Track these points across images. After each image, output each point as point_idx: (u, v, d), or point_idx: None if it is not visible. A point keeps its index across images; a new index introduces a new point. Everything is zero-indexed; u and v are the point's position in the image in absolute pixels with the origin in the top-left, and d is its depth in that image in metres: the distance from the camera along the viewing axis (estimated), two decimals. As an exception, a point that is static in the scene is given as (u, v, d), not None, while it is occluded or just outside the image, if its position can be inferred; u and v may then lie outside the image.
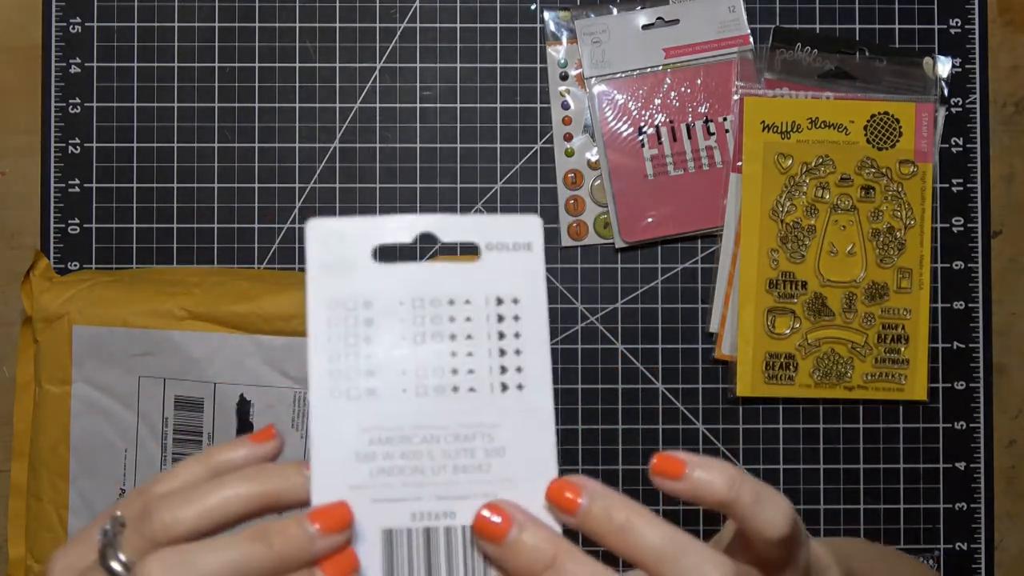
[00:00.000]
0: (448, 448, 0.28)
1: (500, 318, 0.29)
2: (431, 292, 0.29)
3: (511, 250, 0.29)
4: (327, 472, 0.28)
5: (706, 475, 0.29)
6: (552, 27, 0.66)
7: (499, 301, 0.29)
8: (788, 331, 0.64)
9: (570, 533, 0.28)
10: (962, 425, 0.65)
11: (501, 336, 0.29)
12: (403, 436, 0.28)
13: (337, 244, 0.29)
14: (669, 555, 0.27)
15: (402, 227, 0.29)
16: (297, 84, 0.65)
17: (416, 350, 0.29)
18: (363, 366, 0.28)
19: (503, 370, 0.29)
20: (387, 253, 0.63)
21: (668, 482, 0.29)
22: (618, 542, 0.28)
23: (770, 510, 0.30)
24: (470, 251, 0.31)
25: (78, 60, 0.65)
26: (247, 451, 0.31)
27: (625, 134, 0.65)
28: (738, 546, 0.33)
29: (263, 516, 0.28)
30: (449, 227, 0.29)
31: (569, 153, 0.65)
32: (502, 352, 0.29)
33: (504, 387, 0.29)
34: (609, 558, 0.29)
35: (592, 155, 0.65)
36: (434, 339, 0.29)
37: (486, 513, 0.28)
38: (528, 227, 0.30)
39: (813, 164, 0.64)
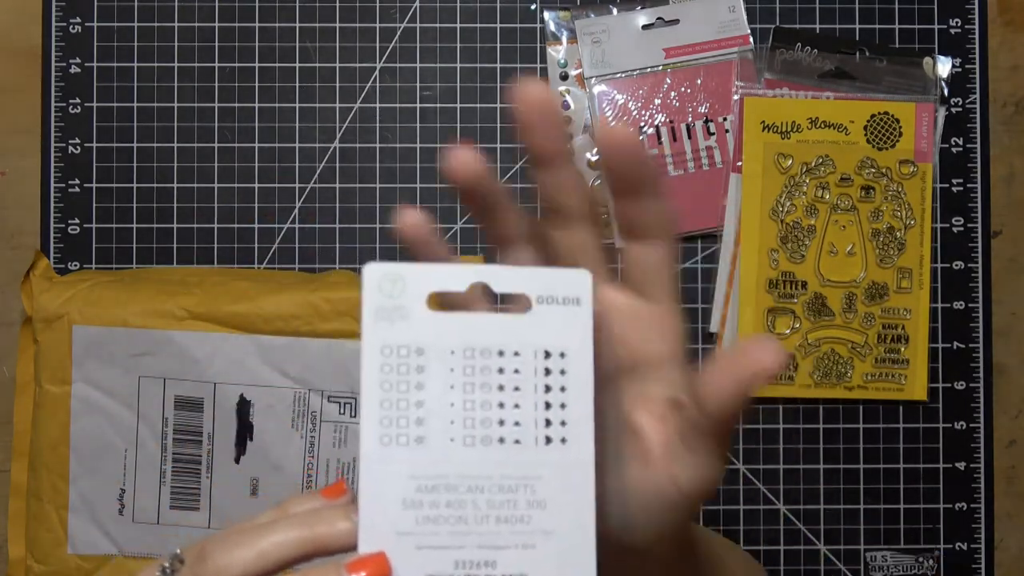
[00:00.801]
0: (492, 499, 0.29)
1: (547, 371, 0.29)
2: (482, 342, 0.29)
3: (560, 304, 0.30)
4: (375, 518, 0.28)
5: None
6: (552, 27, 0.66)
7: (547, 354, 0.30)
8: (788, 331, 0.64)
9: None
10: (962, 425, 0.65)
11: (548, 389, 0.29)
12: (449, 485, 0.29)
13: (393, 289, 0.29)
14: None
15: (457, 275, 0.30)
16: (297, 84, 0.65)
17: (465, 400, 0.29)
18: (413, 414, 0.29)
19: (548, 423, 0.29)
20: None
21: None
22: None
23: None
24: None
25: (78, 60, 0.65)
26: (319, 505, 0.32)
27: (625, 134, 0.65)
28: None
29: (313, 560, 0.30)
30: (503, 277, 0.30)
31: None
32: (548, 405, 0.29)
33: (548, 440, 0.29)
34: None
35: (592, 155, 0.65)
36: (483, 389, 0.29)
37: None
38: (578, 282, 0.30)
39: (813, 164, 0.64)
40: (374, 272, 0.29)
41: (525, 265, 0.31)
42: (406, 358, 0.29)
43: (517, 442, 0.29)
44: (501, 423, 0.29)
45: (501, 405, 0.29)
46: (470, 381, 0.29)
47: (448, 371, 0.29)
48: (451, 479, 0.29)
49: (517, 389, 0.29)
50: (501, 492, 0.29)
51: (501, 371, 0.29)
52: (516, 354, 0.29)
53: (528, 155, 0.30)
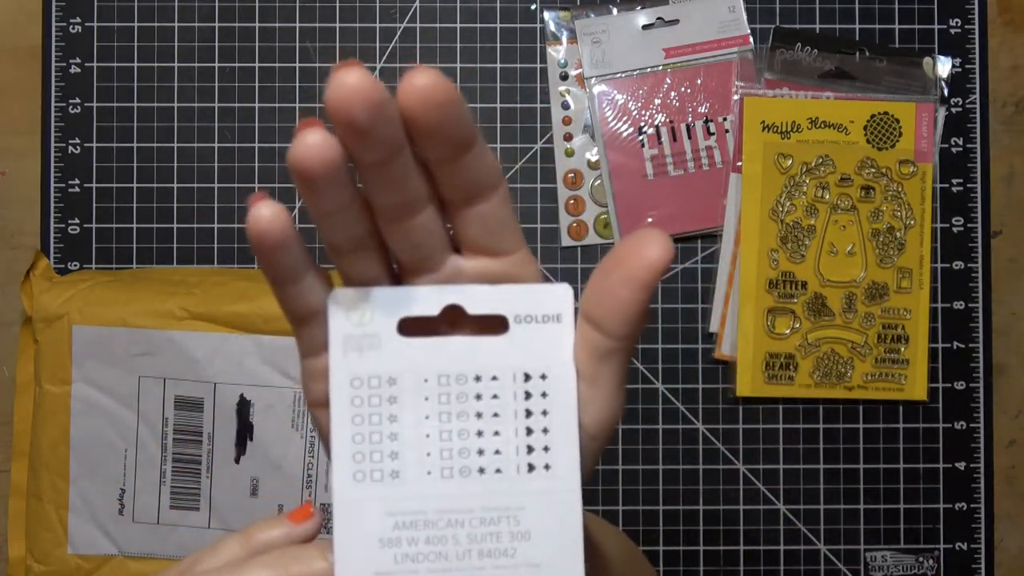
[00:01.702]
0: (473, 532, 0.27)
1: (528, 395, 0.28)
2: (457, 368, 0.28)
3: (540, 322, 0.28)
4: (351, 559, 0.27)
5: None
6: (552, 27, 0.66)
7: (527, 377, 0.28)
8: (788, 331, 0.64)
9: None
10: (962, 425, 0.65)
11: (528, 414, 0.28)
12: (428, 520, 0.27)
13: (362, 317, 0.28)
14: None
15: (429, 298, 0.28)
16: (297, 84, 0.65)
17: (441, 430, 0.28)
18: (387, 448, 0.28)
19: (530, 450, 0.28)
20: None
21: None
22: None
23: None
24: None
25: (78, 60, 0.65)
26: (285, 531, 0.30)
27: (625, 134, 0.65)
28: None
29: None
30: (478, 298, 0.28)
31: (569, 153, 0.65)
32: (529, 431, 0.28)
33: (531, 468, 0.28)
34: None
35: (592, 155, 0.65)
36: (459, 418, 0.28)
37: None
38: (558, 298, 0.28)
39: (813, 164, 0.64)
40: (341, 299, 0.28)
41: (499, 284, 0.28)
42: (377, 389, 0.28)
43: (498, 471, 0.28)
44: (480, 452, 0.28)
45: (480, 433, 0.28)
46: (446, 410, 0.28)
47: (422, 400, 0.28)
48: (429, 514, 0.27)
49: (496, 415, 0.28)
50: (483, 525, 0.27)
51: (479, 397, 0.28)
52: (494, 378, 0.28)
53: (365, 157, 0.25)
